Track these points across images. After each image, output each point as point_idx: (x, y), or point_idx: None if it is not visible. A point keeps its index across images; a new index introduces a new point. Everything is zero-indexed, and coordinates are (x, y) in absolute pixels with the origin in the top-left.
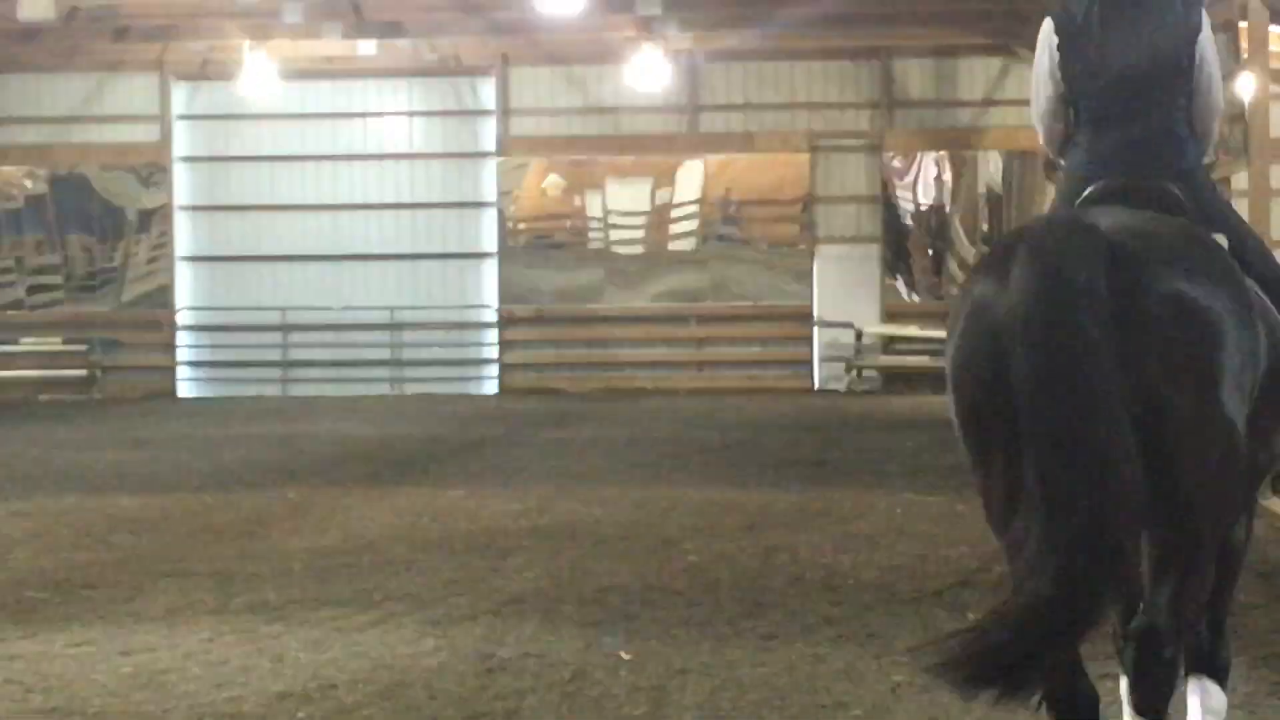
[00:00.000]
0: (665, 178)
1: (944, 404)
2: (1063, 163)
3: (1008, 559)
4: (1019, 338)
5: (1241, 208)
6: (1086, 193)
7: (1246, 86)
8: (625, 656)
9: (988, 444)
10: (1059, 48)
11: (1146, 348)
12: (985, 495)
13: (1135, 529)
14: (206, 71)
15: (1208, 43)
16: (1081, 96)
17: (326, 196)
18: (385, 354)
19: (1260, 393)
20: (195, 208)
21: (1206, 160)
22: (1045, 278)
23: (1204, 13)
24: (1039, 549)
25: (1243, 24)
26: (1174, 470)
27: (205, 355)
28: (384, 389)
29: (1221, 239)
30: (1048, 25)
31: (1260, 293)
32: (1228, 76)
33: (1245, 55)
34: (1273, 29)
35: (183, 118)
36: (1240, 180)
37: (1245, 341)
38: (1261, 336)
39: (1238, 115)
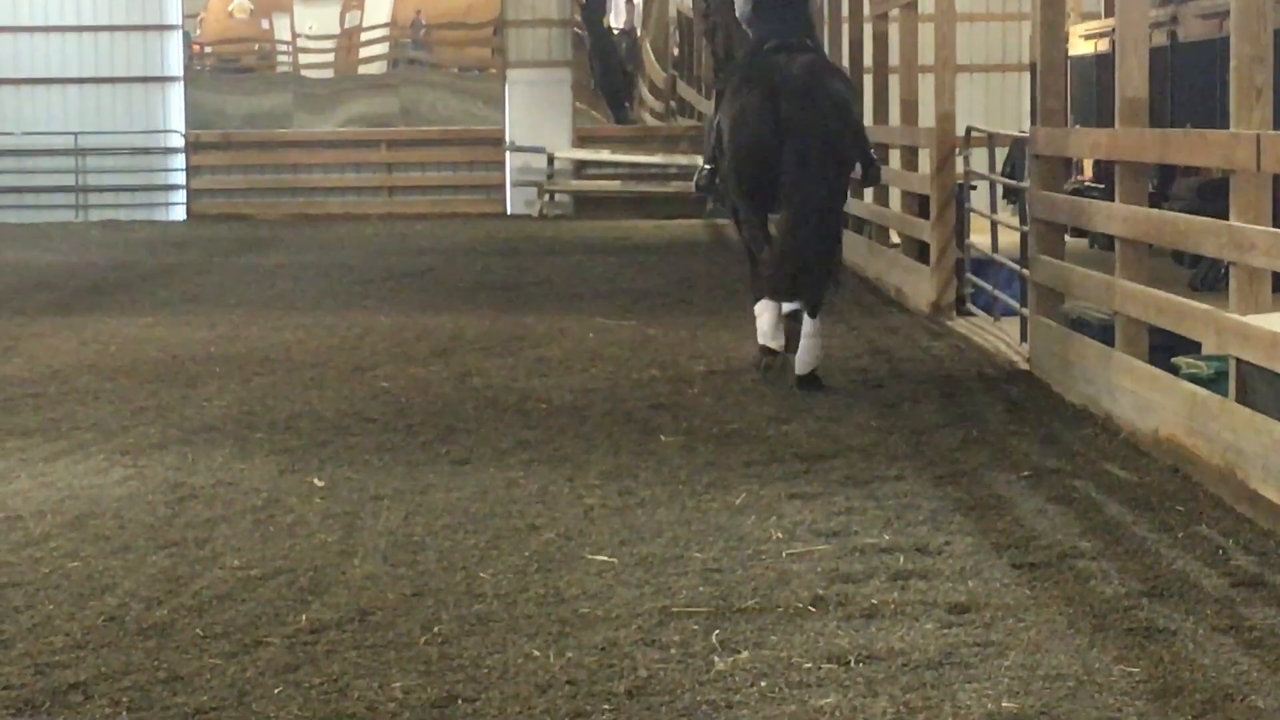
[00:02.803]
0: (355, 1)
1: (634, 228)
2: (749, 29)
3: (755, 233)
4: (793, 97)
5: (927, 31)
6: (767, 45)
7: None
8: (318, 483)
9: (751, 178)
10: None
11: (829, 108)
12: (741, 192)
13: (840, 204)
14: None
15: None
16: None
17: (6, 19)
18: (70, 180)
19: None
20: None
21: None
22: (801, 72)
23: None
24: (793, 220)
25: None
26: (841, 168)
27: None
28: (69, 216)
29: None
30: None
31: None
32: None
33: None
34: None
35: None
36: (927, 3)
37: (855, 110)
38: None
39: None
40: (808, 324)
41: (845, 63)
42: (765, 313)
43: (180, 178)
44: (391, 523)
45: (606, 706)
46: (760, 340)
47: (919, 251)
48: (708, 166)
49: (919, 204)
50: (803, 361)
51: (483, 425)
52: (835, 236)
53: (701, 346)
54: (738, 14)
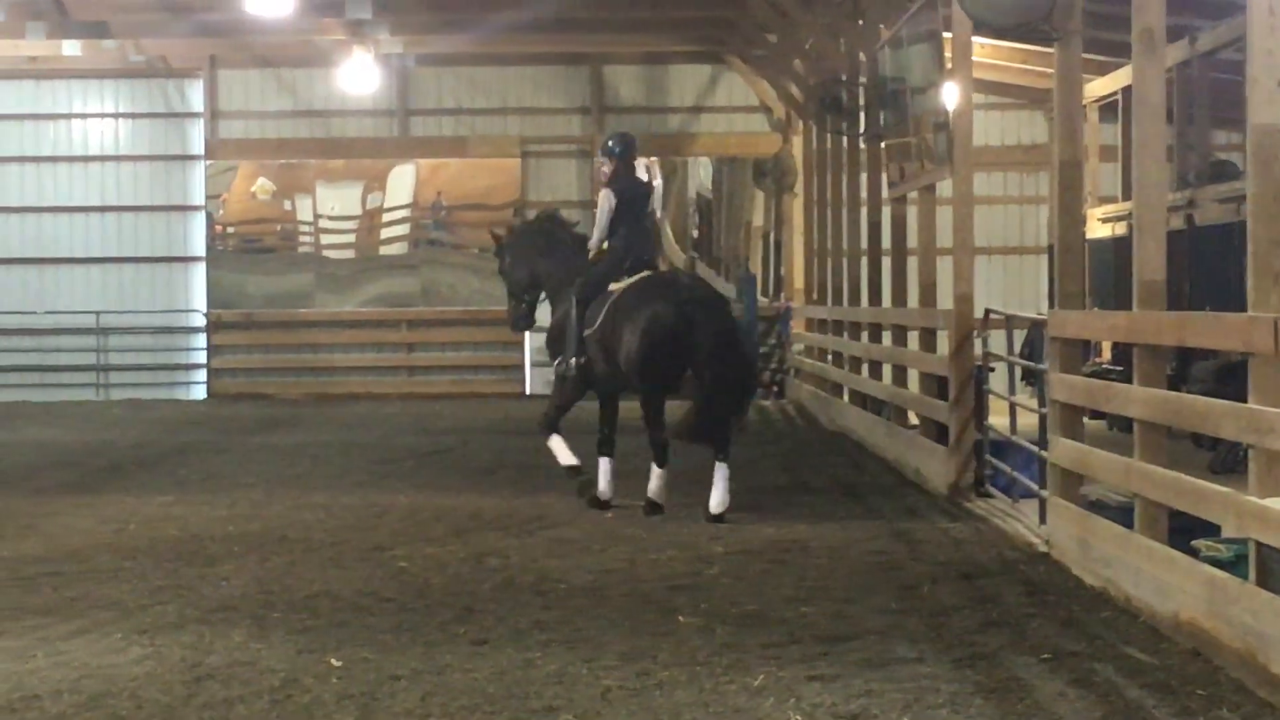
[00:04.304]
0: (376, 182)
1: None
2: (609, 242)
3: (659, 407)
4: (701, 310)
5: (945, 214)
6: (627, 262)
7: (951, 96)
8: (335, 663)
9: (668, 369)
10: (615, 195)
11: (726, 308)
12: (657, 395)
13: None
14: None
15: (658, 194)
16: (620, 215)
17: (30, 198)
18: (91, 359)
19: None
20: None
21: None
22: (697, 288)
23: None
24: (715, 390)
25: (947, 35)
26: (739, 356)
27: None
28: (89, 394)
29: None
30: (609, 193)
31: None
32: (932, 86)
33: (949, 65)
34: (975, 40)
35: None
36: (945, 188)
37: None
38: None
39: (942, 124)
40: (722, 469)
41: (863, 245)
42: (604, 471)
43: (201, 357)
44: (409, 703)
45: None
46: (601, 492)
47: (938, 433)
48: (577, 360)
49: (938, 385)
50: (719, 501)
51: (500, 605)
52: (750, 398)
53: (720, 528)
54: (597, 228)
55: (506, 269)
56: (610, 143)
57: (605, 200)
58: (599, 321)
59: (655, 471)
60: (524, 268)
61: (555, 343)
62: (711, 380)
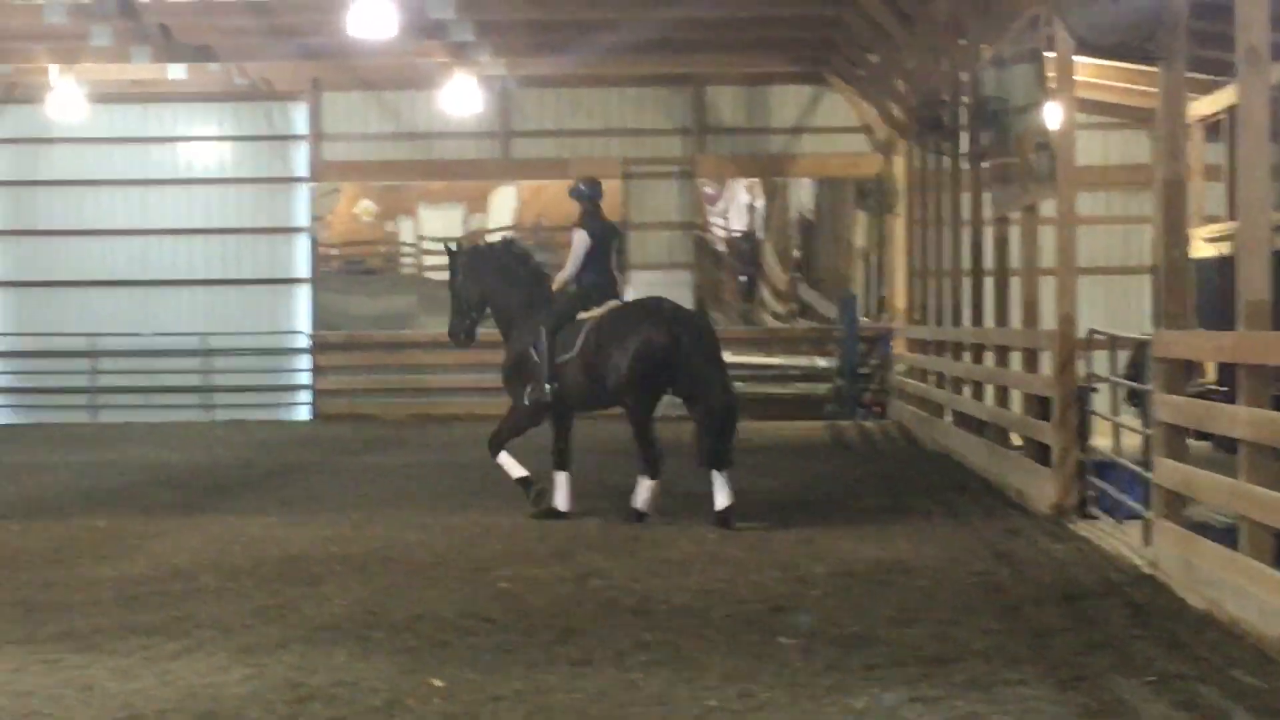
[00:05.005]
0: (478, 204)
1: (755, 430)
2: (581, 277)
3: (648, 425)
4: (690, 331)
5: (1048, 234)
6: (594, 296)
7: (1054, 116)
8: (437, 684)
9: (658, 387)
10: (591, 235)
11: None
12: (646, 412)
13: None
14: (14, 94)
15: (615, 232)
16: (592, 254)
17: (136, 221)
18: (196, 380)
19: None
20: (2, 232)
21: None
22: (681, 311)
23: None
24: (716, 409)
25: (1050, 54)
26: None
27: (13, 381)
28: (195, 415)
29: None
30: (584, 234)
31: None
32: (1035, 106)
33: (1052, 84)
34: (1078, 59)
35: None
36: (1048, 207)
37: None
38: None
39: (1044, 144)
40: (721, 478)
41: (965, 265)
42: (563, 484)
43: (306, 378)
44: None
45: None
46: (559, 505)
47: (1041, 454)
48: (551, 387)
49: (1041, 406)
50: (726, 497)
51: (602, 626)
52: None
53: (821, 548)
54: (571, 264)
55: (458, 284)
56: (582, 186)
57: (580, 240)
58: (577, 347)
59: (645, 483)
60: (476, 287)
61: (515, 375)
62: (704, 410)
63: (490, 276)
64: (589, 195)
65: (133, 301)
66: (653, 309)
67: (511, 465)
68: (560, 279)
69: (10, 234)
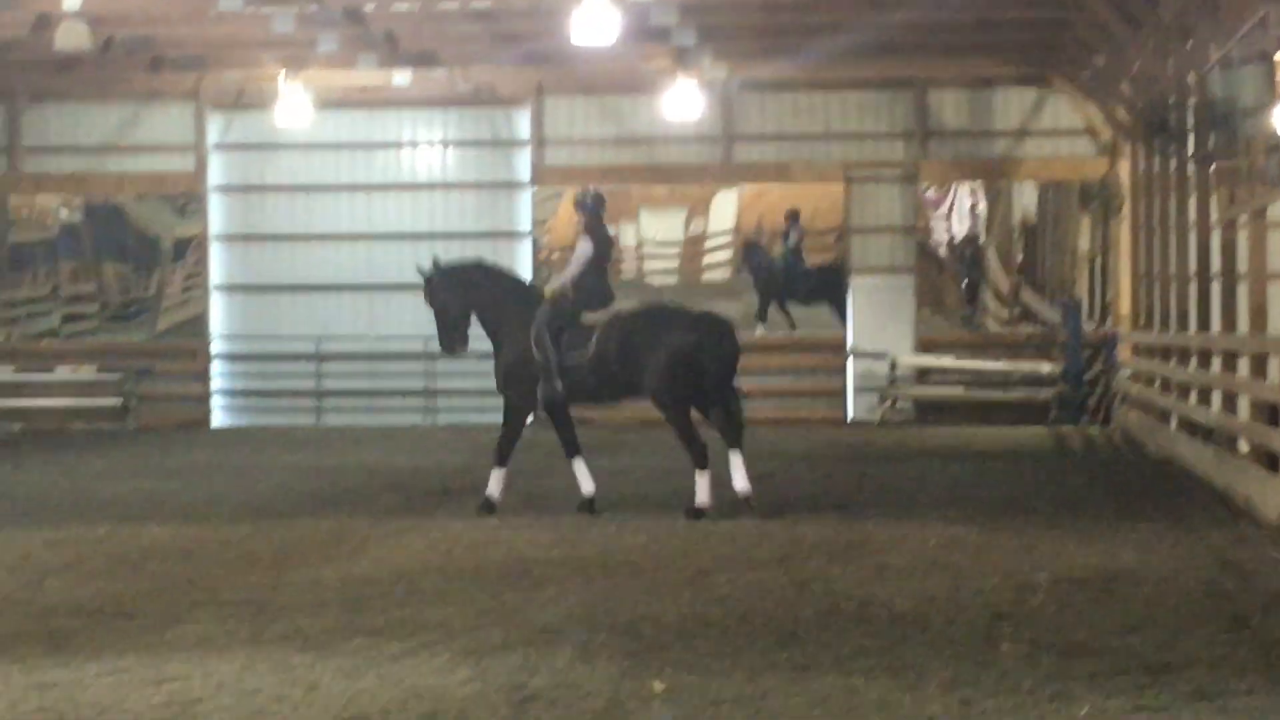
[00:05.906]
0: (699, 208)
1: (975, 435)
2: (582, 283)
3: (689, 418)
4: (721, 337)
5: (1277, 239)
6: (594, 302)
7: None
8: (658, 687)
9: (700, 380)
10: (593, 244)
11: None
12: (686, 400)
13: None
14: (242, 101)
15: (612, 243)
16: (592, 262)
17: (361, 226)
18: (419, 384)
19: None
20: (230, 237)
21: None
22: (712, 317)
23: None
24: (731, 405)
25: (1278, 57)
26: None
27: (239, 384)
28: (417, 419)
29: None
30: (587, 241)
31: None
32: (1264, 108)
33: None
34: None
35: (218, 147)
36: (1276, 210)
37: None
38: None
39: (1274, 146)
40: (737, 455)
41: (1192, 269)
42: (581, 468)
43: None
44: None
45: None
46: (583, 490)
47: (1269, 461)
48: (561, 384)
49: (1269, 412)
50: (744, 478)
51: (823, 631)
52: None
53: (1044, 555)
54: (572, 270)
55: (440, 302)
56: (588, 199)
57: (584, 248)
58: (592, 348)
59: (700, 476)
60: (459, 302)
61: (516, 375)
62: (727, 399)
63: (479, 294)
64: (593, 208)
65: (357, 306)
66: (681, 312)
67: (495, 480)
68: (559, 283)
69: (238, 239)
